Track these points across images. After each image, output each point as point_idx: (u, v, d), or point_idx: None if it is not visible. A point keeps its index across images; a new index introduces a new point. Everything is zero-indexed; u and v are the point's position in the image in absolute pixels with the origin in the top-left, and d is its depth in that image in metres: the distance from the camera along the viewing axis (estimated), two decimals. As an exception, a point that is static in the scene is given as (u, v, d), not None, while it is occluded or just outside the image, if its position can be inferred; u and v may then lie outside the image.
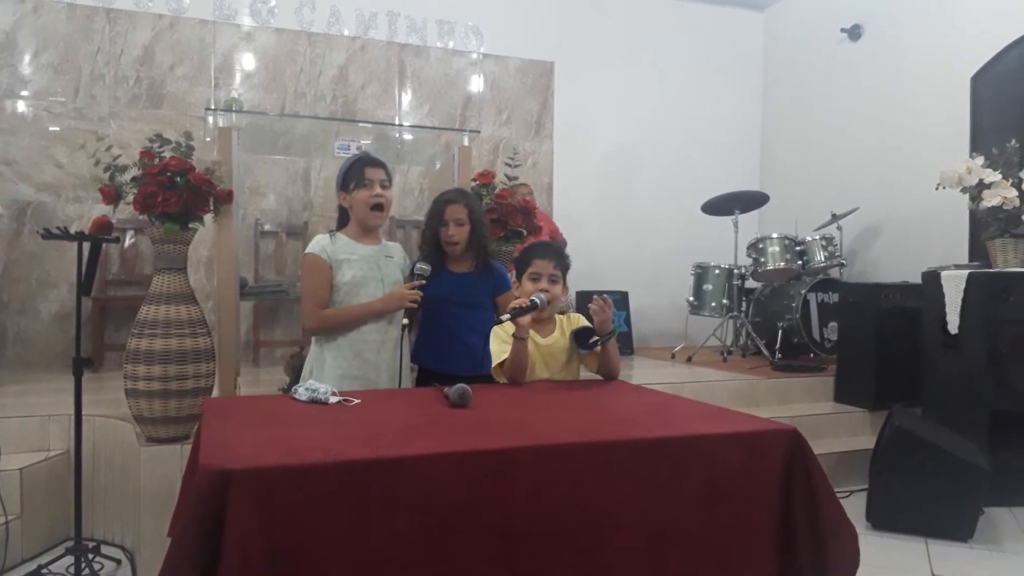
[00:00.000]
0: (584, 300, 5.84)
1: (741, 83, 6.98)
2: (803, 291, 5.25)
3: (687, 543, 1.67)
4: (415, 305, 2.54)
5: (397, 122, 5.66)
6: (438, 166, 4.16)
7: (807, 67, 6.59)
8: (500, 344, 2.34)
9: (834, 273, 5.58)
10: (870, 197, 5.68)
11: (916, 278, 4.26)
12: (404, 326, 2.57)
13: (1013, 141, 4.11)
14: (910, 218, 5.46)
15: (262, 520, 1.35)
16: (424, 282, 2.57)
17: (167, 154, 2.87)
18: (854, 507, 3.46)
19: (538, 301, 2.32)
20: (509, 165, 3.64)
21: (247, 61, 5.45)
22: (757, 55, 7.07)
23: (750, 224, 6.19)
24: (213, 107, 3.52)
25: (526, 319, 2.29)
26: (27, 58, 4.94)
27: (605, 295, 2.35)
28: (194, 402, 2.90)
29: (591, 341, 2.35)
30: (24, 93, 4.93)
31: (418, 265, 2.62)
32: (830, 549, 1.72)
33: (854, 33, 6.04)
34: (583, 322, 2.56)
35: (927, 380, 4.10)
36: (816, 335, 5.28)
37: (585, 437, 1.69)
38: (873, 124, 5.85)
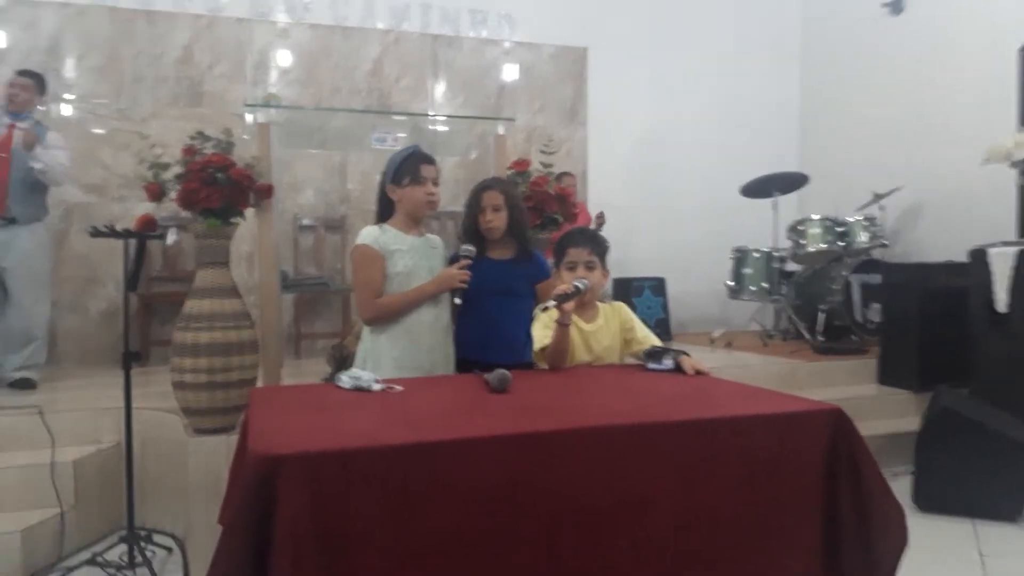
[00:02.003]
0: (621, 288, 5.83)
1: (778, 61, 6.87)
2: (845, 273, 5.17)
3: (728, 524, 1.67)
4: (465, 285, 2.57)
5: (431, 113, 5.69)
6: (473, 156, 4.17)
7: (847, 43, 6.46)
8: (542, 329, 2.36)
9: (876, 254, 5.48)
10: (913, 175, 5.56)
11: (962, 257, 4.17)
12: (457, 305, 2.60)
13: (1063, 113, 4.00)
14: (955, 195, 5.33)
15: (311, 504, 1.38)
16: (471, 261, 2.59)
17: (208, 151, 2.93)
18: (899, 489, 3.36)
19: (581, 286, 2.34)
20: (544, 153, 3.64)
21: (283, 58, 5.52)
22: (795, 32, 6.94)
23: (789, 206, 6.10)
24: (251, 103, 3.57)
25: (570, 305, 2.31)
26: (71, 62, 5.06)
27: None
28: (239, 393, 2.96)
29: (665, 359, 2.35)
30: (69, 96, 5.06)
31: (463, 247, 2.65)
32: (876, 529, 1.71)
33: (896, 7, 5.90)
34: (625, 311, 2.58)
35: (974, 360, 4.02)
36: (859, 317, 5.19)
37: (624, 419, 1.69)
38: (916, 100, 5.72)
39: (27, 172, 4.01)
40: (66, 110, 5.05)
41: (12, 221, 3.98)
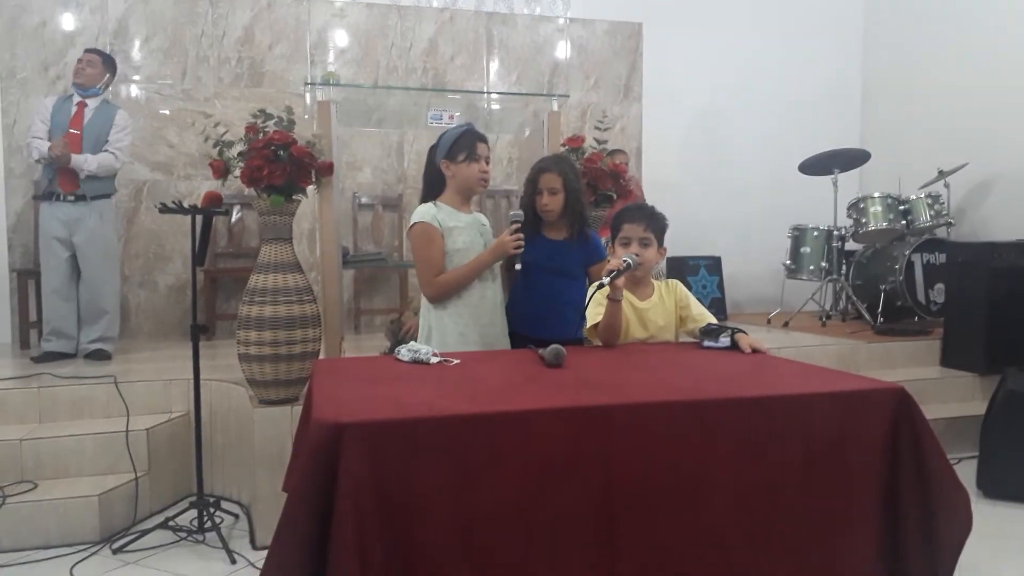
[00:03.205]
0: (676, 267, 5.78)
1: (839, 33, 6.66)
2: (907, 252, 5.04)
3: (785, 502, 1.66)
4: (520, 250, 2.59)
5: (486, 91, 5.69)
6: (527, 134, 4.17)
7: (911, 15, 6.22)
8: (595, 306, 2.36)
9: (941, 233, 5.32)
10: (981, 151, 5.36)
11: (1033, 236, 4.03)
12: (518, 270, 2.62)
13: None
14: (1026, 173, 5.14)
15: (373, 471, 1.42)
16: (520, 225, 2.60)
17: (270, 129, 2.99)
18: (964, 475, 3.30)
19: (630, 261, 2.33)
20: (599, 129, 3.62)
21: (340, 37, 5.58)
22: (857, 3, 6.71)
23: (850, 183, 5.95)
24: (311, 81, 3.64)
25: (620, 280, 2.30)
26: (138, 44, 5.21)
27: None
28: (302, 366, 3.03)
29: (722, 337, 2.34)
30: (136, 78, 5.21)
31: (512, 212, 2.67)
32: (939, 512, 1.68)
33: (964, -23, 5.68)
34: (681, 289, 2.56)
35: (1045, 343, 3.90)
36: (921, 297, 5.07)
37: (682, 396, 1.69)
38: (984, 72, 5.49)
39: (96, 149, 4.15)
40: (134, 91, 5.21)
41: (81, 198, 4.14)
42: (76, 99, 4.21)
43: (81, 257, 4.18)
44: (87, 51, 4.38)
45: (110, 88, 4.45)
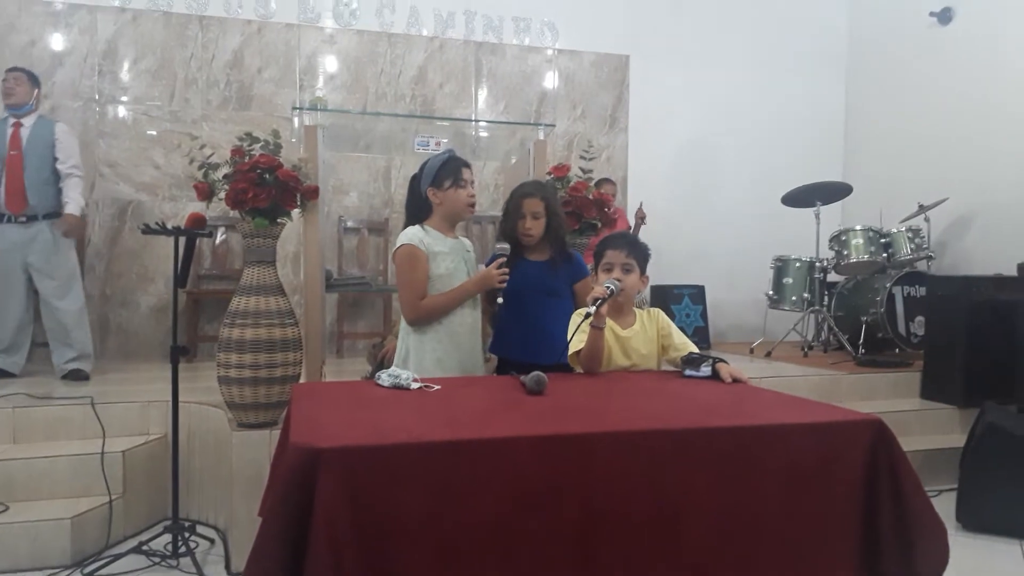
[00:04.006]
0: (660, 295, 5.81)
1: (824, 69, 6.79)
2: (888, 284, 5.09)
3: (764, 534, 1.66)
4: (503, 285, 2.59)
5: (474, 119, 5.74)
6: (514, 161, 4.20)
7: (894, 52, 6.36)
8: (579, 334, 2.37)
9: (921, 266, 5.39)
10: (960, 187, 5.45)
11: (1011, 270, 4.08)
12: (500, 304, 2.62)
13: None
14: (1004, 208, 5.22)
15: (349, 497, 1.41)
16: (506, 258, 2.62)
17: (256, 152, 2.99)
18: (943, 507, 3.31)
19: (613, 287, 2.34)
20: (584, 159, 3.65)
21: (330, 63, 5.62)
22: (841, 40, 6.85)
23: (832, 216, 6.02)
24: (299, 106, 3.65)
25: (603, 307, 2.31)
26: (127, 65, 5.22)
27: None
28: (282, 389, 3.00)
29: (703, 366, 2.34)
30: (124, 99, 5.22)
31: (497, 246, 2.68)
32: (917, 544, 1.68)
33: (944, 17, 5.81)
34: (663, 318, 2.57)
35: (1022, 376, 3.92)
36: (902, 330, 5.11)
37: (662, 424, 1.69)
38: (964, 110, 5.61)
39: (41, 166, 4.07)
40: (121, 111, 5.21)
41: (33, 218, 4.06)
42: (11, 120, 4.11)
43: (37, 277, 4.10)
44: (10, 70, 4.23)
45: (40, 102, 4.33)
